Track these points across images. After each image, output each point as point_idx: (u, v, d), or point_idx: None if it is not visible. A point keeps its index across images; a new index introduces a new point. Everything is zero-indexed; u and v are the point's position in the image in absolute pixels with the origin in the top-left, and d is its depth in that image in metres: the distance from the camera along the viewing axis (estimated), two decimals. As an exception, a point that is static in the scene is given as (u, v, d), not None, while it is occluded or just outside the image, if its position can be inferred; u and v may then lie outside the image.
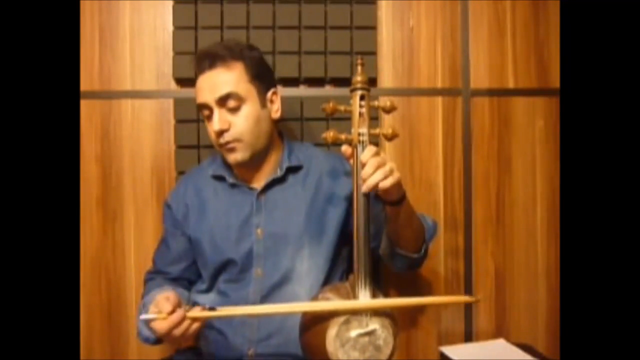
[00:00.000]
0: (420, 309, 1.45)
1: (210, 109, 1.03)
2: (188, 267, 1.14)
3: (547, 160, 1.47)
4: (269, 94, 1.09)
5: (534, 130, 1.47)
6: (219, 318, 1.02)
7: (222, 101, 1.02)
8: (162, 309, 0.85)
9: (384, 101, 0.94)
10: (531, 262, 1.47)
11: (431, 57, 1.45)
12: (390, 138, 0.94)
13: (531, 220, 1.47)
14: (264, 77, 1.08)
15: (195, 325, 0.86)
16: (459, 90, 1.46)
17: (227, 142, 1.03)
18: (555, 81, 1.47)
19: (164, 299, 0.87)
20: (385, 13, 1.44)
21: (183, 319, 0.85)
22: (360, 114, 0.92)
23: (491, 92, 1.46)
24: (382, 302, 0.92)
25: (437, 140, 1.45)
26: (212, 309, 0.90)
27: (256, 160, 1.08)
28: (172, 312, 0.84)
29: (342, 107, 0.93)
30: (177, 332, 0.85)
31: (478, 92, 1.46)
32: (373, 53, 1.41)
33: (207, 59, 1.03)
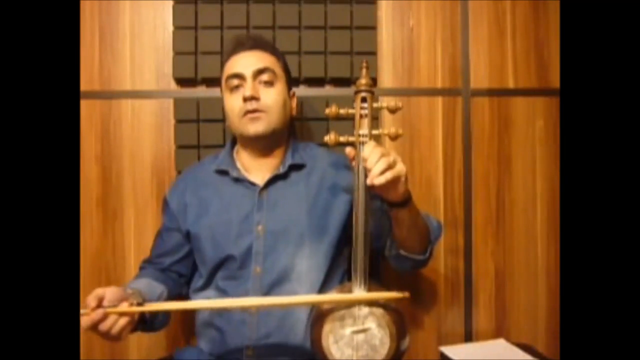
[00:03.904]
0: (420, 309, 1.45)
1: (242, 79, 1.06)
2: (179, 261, 1.14)
3: (547, 160, 1.47)
4: (291, 92, 1.16)
5: (534, 130, 1.47)
6: (148, 313, 0.98)
7: (259, 73, 1.06)
8: (87, 305, 0.86)
9: (389, 101, 0.95)
10: (531, 262, 1.48)
11: (431, 57, 1.45)
12: (394, 138, 0.95)
13: (531, 220, 1.48)
14: (290, 75, 1.16)
15: (122, 321, 0.87)
16: (459, 90, 1.46)
17: (255, 110, 1.05)
18: (555, 81, 1.47)
19: (93, 296, 0.87)
20: (385, 13, 1.44)
21: (105, 315, 0.85)
22: (361, 116, 0.94)
23: (491, 92, 1.46)
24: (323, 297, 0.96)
25: (437, 140, 1.45)
26: (140, 304, 0.91)
27: (268, 145, 1.10)
28: (97, 308, 0.85)
29: (343, 111, 0.95)
30: (102, 328, 0.86)
31: (478, 92, 1.46)
32: (373, 53, 1.41)
33: (250, 41, 1.10)
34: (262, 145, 1.09)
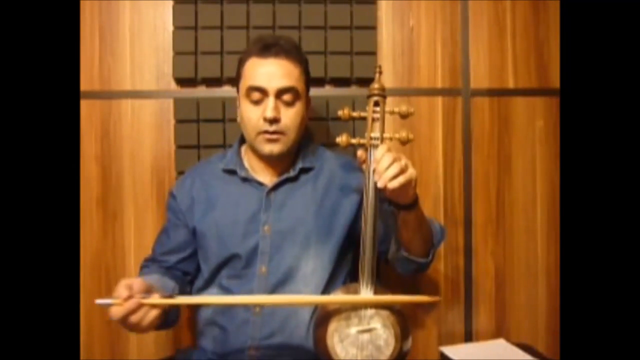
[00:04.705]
0: (421, 309, 1.45)
1: (264, 94, 1.03)
2: (185, 259, 1.13)
3: (547, 160, 1.47)
4: (307, 96, 1.13)
5: (534, 130, 1.47)
6: (178, 306, 1.02)
7: (282, 92, 1.03)
8: (119, 295, 0.84)
9: (400, 106, 0.96)
10: (531, 262, 1.47)
11: (431, 57, 1.45)
12: (405, 142, 0.96)
13: (531, 220, 1.48)
14: (309, 82, 1.13)
15: (153, 313, 0.86)
16: (459, 90, 1.46)
17: (274, 132, 1.03)
18: (555, 81, 1.47)
19: (124, 285, 0.86)
20: (385, 13, 1.44)
21: (139, 306, 0.84)
22: (373, 119, 0.95)
23: (491, 92, 1.46)
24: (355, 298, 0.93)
25: (437, 140, 1.45)
26: (170, 296, 0.90)
27: (280, 158, 1.08)
28: (130, 298, 0.84)
29: (356, 113, 0.97)
30: (134, 319, 0.84)
31: (478, 92, 1.46)
32: (373, 53, 1.41)
33: (274, 47, 1.04)
34: (275, 159, 1.08)
